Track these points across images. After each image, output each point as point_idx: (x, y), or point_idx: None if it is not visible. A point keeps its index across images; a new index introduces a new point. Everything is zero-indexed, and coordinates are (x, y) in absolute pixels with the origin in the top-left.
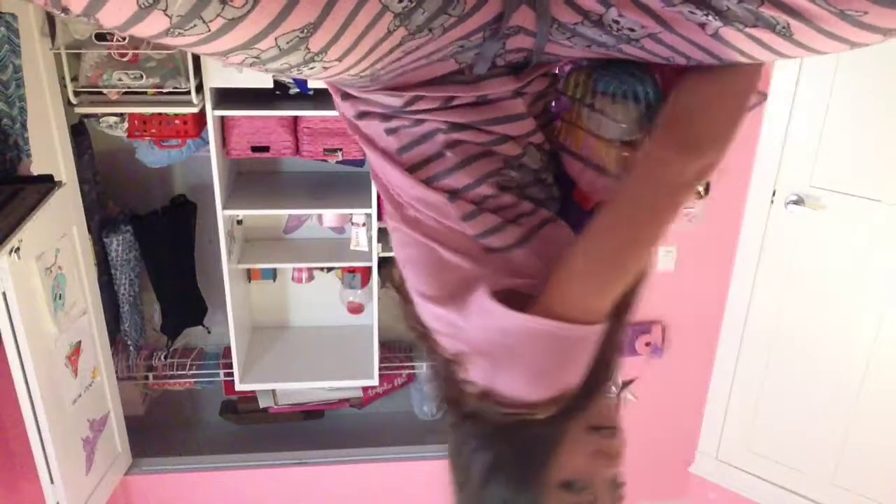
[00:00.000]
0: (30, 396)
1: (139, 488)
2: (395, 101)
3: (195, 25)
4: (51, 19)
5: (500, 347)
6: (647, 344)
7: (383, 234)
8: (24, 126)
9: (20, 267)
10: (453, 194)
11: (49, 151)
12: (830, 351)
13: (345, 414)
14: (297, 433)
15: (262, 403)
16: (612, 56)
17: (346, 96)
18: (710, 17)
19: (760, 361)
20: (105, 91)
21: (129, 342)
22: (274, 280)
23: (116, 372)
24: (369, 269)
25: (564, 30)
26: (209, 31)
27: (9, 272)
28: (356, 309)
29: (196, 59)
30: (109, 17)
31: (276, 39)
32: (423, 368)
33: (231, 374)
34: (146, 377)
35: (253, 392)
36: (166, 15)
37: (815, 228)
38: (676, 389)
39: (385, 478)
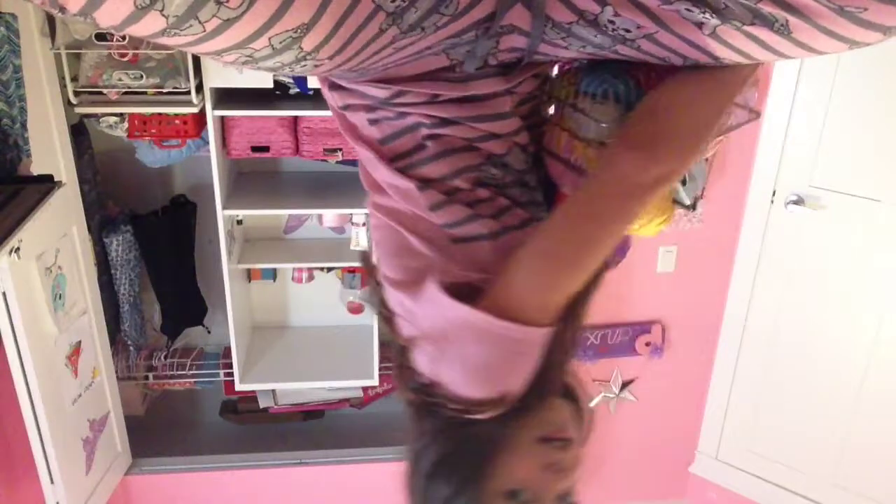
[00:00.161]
0: (30, 396)
1: (139, 488)
2: (380, 93)
3: (191, 26)
4: (51, 19)
5: (443, 337)
6: (647, 344)
7: None
8: (24, 126)
9: (20, 267)
10: (425, 183)
11: (49, 151)
12: (830, 351)
13: (345, 414)
14: (297, 433)
15: (262, 403)
16: (607, 57)
17: (333, 86)
18: (708, 16)
19: (760, 361)
20: (105, 91)
21: (129, 342)
22: (274, 280)
23: (116, 372)
24: None
25: (559, 29)
26: (204, 31)
27: (9, 272)
28: (356, 309)
29: (196, 59)
30: (106, 17)
31: (269, 39)
32: None
33: (231, 374)
34: (146, 377)
35: (253, 392)
36: (163, 15)
37: (815, 228)
38: (676, 389)
39: (385, 478)
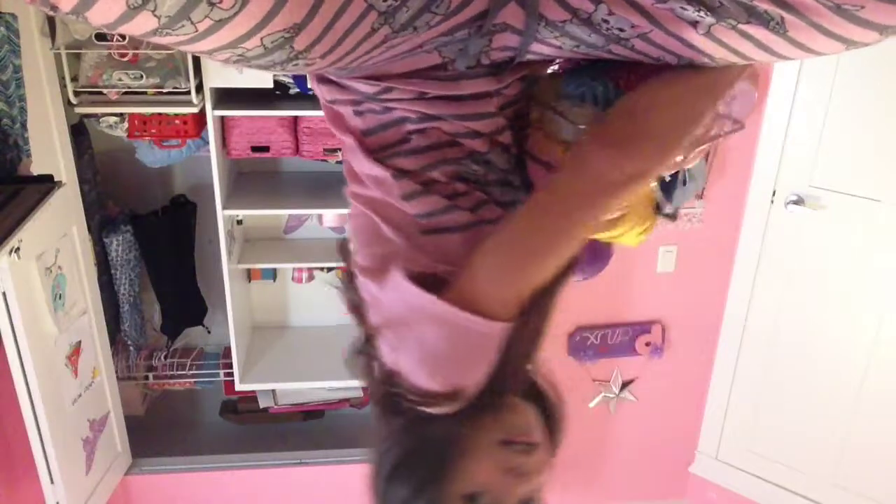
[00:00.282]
0: (30, 396)
1: (139, 488)
2: (368, 88)
3: (183, 26)
4: (51, 19)
5: (404, 325)
6: (647, 344)
7: None
8: (24, 126)
9: (20, 267)
10: (401, 172)
11: (49, 151)
12: (830, 351)
13: (345, 414)
14: (297, 433)
15: (262, 403)
16: (600, 57)
17: (321, 80)
18: (703, 14)
19: (760, 361)
20: (105, 91)
21: (129, 342)
22: (274, 280)
23: (116, 372)
24: None
25: (553, 28)
26: (196, 31)
27: (9, 272)
28: None
29: (196, 59)
30: (98, 16)
31: (261, 39)
32: None
33: (231, 374)
34: (146, 377)
35: (253, 392)
36: (155, 16)
37: (815, 228)
38: (676, 389)
39: None
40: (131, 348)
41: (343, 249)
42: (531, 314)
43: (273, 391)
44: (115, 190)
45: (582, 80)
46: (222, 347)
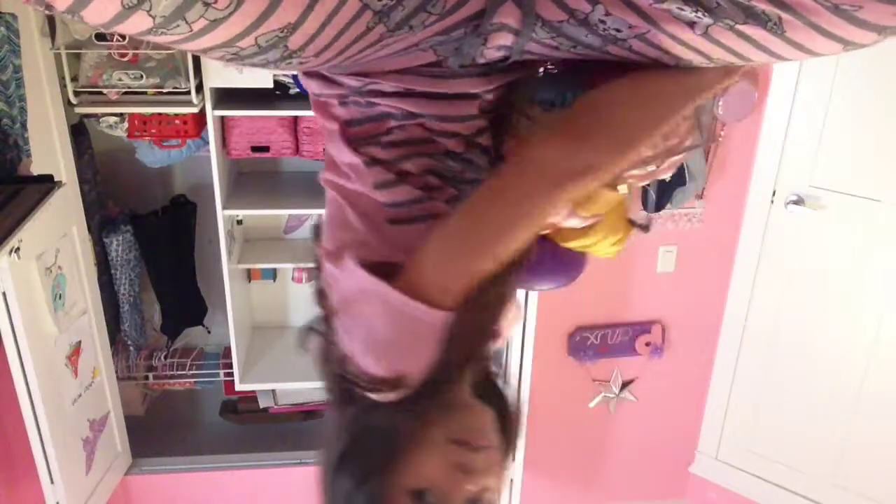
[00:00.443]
0: (30, 396)
1: (139, 488)
2: (355, 83)
3: (178, 26)
4: (51, 19)
5: (355, 308)
6: (647, 344)
7: None
8: (24, 126)
9: (20, 267)
10: (374, 161)
11: (49, 151)
12: (830, 351)
13: None
14: (297, 433)
15: (262, 403)
16: (597, 58)
17: (310, 74)
18: (700, 15)
19: (760, 361)
20: (105, 91)
21: (129, 342)
22: (274, 280)
23: (116, 372)
24: None
25: (549, 28)
26: (191, 31)
27: (9, 272)
28: None
29: (196, 59)
30: (93, 16)
31: (256, 39)
32: None
33: (231, 374)
34: (146, 377)
35: (253, 392)
36: (150, 15)
37: (815, 228)
38: (676, 389)
39: None
40: (131, 348)
41: (317, 232)
42: (476, 306)
43: (273, 391)
44: (115, 190)
45: (557, 85)
46: (222, 347)
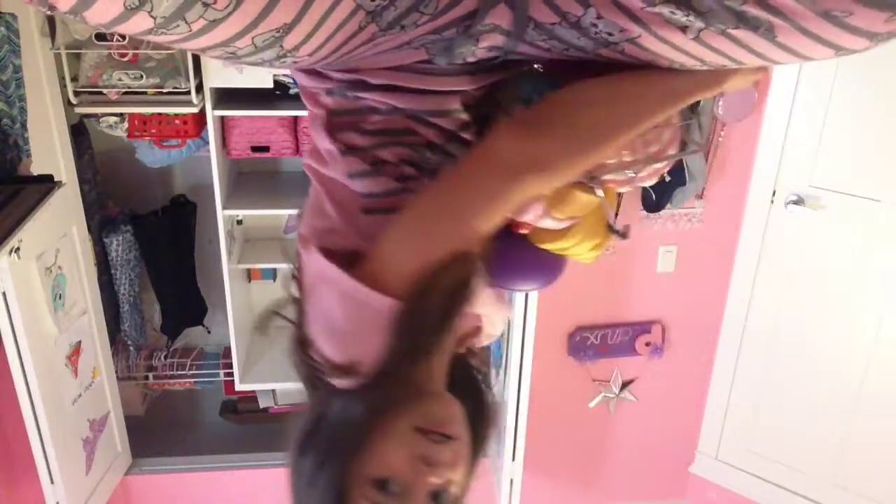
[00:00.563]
0: (30, 396)
1: (139, 488)
2: (342, 77)
3: (178, 26)
4: (51, 19)
5: (315, 292)
6: (647, 344)
7: None
8: (24, 126)
9: (20, 267)
10: (350, 149)
11: (49, 151)
12: (830, 351)
13: None
14: None
15: (262, 403)
16: (589, 60)
17: (299, 68)
18: (692, 18)
19: (760, 361)
20: (105, 91)
21: (129, 342)
22: (274, 280)
23: (116, 372)
24: None
25: (541, 31)
26: (190, 31)
27: (9, 272)
28: None
29: (196, 59)
30: (95, 16)
31: (252, 39)
32: None
33: (231, 374)
34: (146, 377)
35: (253, 392)
36: (151, 16)
37: (815, 228)
38: (676, 389)
39: None
40: (131, 348)
41: (299, 219)
42: (426, 296)
43: (273, 391)
44: (115, 190)
45: (540, 82)
46: (222, 347)
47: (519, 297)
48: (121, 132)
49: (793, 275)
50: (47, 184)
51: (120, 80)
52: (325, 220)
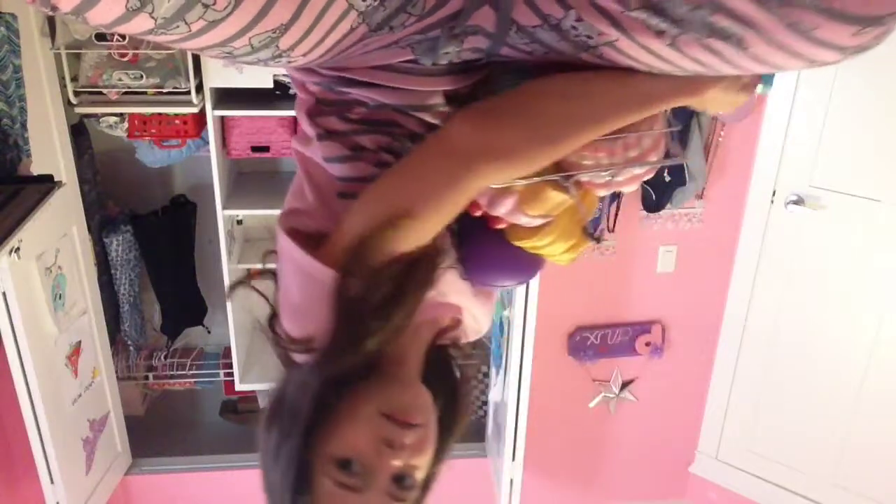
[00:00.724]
0: (30, 396)
1: (139, 488)
2: (330, 73)
3: (178, 27)
4: (51, 19)
5: (281, 268)
6: (647, 344)
7: None
8: (24, 126)
9: (20, 267)
10: (331, 133)
11: (49, 151)
12: (830, 351)
13: None
14: None
15: (262, 403)
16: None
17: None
18: (667, 25)
19: (760, 361)
20: (105, 91)
21: (129, 342)
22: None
23: (116, 372)
24: None
25: (523, 34)
26: (190, 31)
27: (9, 272)
28: None
29: (196, 58)
30: (97, 17)
31: (249, 39)
32: None
33: (231, 374)
34: (146, 377)
35: (253, 392)
36: (152, 17)
37: (815, 228)
38: (676, 389)
39: None
40: (131, 348)
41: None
42: (365, 270)
43: None
44: (115, 190)
45: (515, 76)
46: (222, 347)
47: (519, 297)
48: (121, 132)
49: (793, 275)
50: (47, 184)
51: (120, 80)
52: (303, 202)
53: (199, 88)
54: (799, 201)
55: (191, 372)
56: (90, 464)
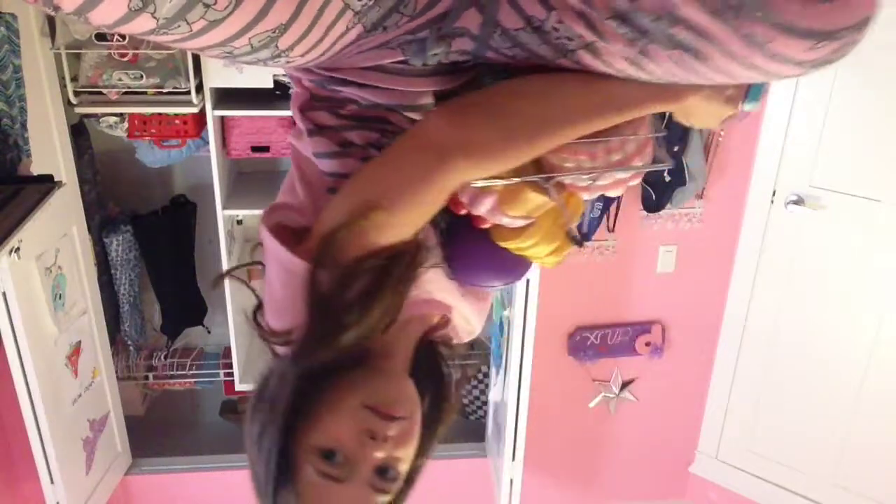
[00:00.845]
0: (30, 396)
1: (139, 488)
2: (323, 72)
3: (179, 27)
4: (51, 19)
5: (265, 262)
6: (647, 344)
7: None
8: (24, 126)
9: (20, 267)
10: (321, 128)
11: (49, 151)
12: (830, 351)
13: None
14: None
15: None
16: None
17: None
18: (634, 35)
19: (760, 361)
20: (105, 91)
21: (129, 342)
22: None
23: (116, 372)
24: None
25: (506, 37)
26: (191, 31)
27: (9, 272)
28: None
29: (196, 58)
30: (99, 17)
31: (249, 39)
32: None
33: (231, 374)
34: (146, 377)
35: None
36: (154, 17)
37: (815, 228)
38: (676, 389)
39: None
40: (131, 348)
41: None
42: (334, 258)
43: None
44: (115, 190)
45: (498, 76)
46: (222, 347)
47: (519, 297)
48: (121, 132)
49: (793, 275)
50: (47, 184)
51: (120, 80)
52: (294, 197)
53: (199, 88)
54: (799, 201)
55: (191, 372)
56: (90, 464)
